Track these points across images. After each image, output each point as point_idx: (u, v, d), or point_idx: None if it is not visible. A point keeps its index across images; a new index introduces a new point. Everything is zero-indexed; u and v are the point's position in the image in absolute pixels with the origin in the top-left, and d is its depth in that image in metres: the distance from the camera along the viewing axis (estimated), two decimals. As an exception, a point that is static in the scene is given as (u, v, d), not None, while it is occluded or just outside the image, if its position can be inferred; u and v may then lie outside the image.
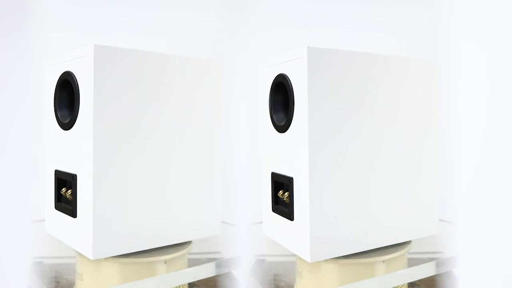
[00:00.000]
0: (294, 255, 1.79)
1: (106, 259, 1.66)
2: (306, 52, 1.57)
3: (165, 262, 1.69)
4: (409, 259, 1.79)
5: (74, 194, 1.63)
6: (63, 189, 1.70)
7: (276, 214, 1.76)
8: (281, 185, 1.73)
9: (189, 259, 1.80)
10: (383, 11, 2.08)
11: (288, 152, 1.69)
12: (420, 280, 1.79)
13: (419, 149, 1.77)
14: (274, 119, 1.76)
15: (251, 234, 1.87)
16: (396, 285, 1.70)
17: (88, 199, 1.58)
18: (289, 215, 1.67)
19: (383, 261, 1.70)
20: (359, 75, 1.66)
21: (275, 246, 1.84)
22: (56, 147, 1.74)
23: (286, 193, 1.70)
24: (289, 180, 1.67)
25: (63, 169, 1.69)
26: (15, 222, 1.81)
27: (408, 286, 1.77)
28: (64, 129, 1.68)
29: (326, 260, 1.67)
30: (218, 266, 1.79)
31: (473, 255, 1.69)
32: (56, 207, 1.73)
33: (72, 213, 1.64)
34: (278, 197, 1.74)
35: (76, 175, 1.62)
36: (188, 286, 1.81)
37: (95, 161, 1.56)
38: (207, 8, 2.08)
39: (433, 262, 1.76)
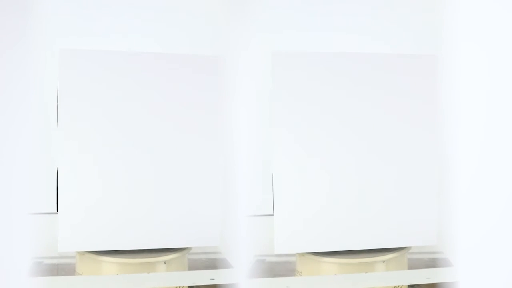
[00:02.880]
0: (294, 255, 1.80)
1: (106, 258, 1.67)
2: (271, 57, 1.68)
3: (165, 263, 1.69)
4: (409, 259, 1.79)
5: (57, 189, 1.69)
6: None
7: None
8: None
9: (189, 259, 1.80)
10: (388, 12, 2.08)
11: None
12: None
13: (412, 153, 1.74)
14: None
15: (251, 234, 1.86)
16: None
17: (58, 194, 1.67)
18: (273, 209, 1.73)
19: (383, 261, 1.70)
20: (333, 75, 1.70)
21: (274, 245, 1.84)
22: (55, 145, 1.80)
23: None
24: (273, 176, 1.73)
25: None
26: (14, 222, 1.81)
27: (408, 286, 1.77)
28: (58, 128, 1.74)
29: (326, 260, 1.68)
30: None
31: (474, 255, 1.68)
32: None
33: (57, 207, 1.70)
34: None
35: (58, 170, 1.69)
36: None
37: (61, 158, 1.67)
38: (209, 8, 2.08)
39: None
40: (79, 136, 1.68)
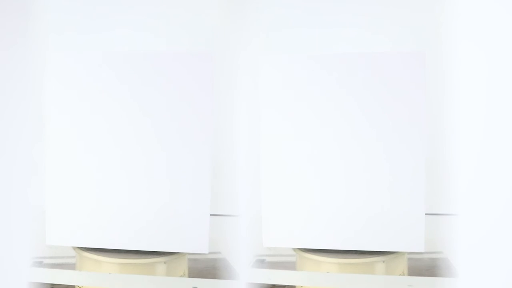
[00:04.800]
0: (294, 255, 1.80)
1: (106, 259, 1.67)
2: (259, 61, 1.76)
3: (165, 263, 1.69)
4: (409, 259, 1.79)
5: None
6: None
7: None
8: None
9: (189, 259, 1.79)
10: (387, 10, 2.07)
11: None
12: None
13: (401, 156, 1.71)
14: None
15: (251, 233, 1.87)
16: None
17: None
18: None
19: (383, 261, 1.70)
20: (321, 76, 1.71)
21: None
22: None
23: None
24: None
25: None
26: (14, 222, 1.81)
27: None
28: None
29: (326, 260, 1.69)
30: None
31: (474, 255, 1.69)
32: None
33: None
34: None
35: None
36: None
37: (50, 155, 1.73)
38: (209, 6, 2.07)
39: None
40: (69, 135, 1.71)
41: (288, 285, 1.82)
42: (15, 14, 1.69)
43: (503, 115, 1.68)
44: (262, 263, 1.90)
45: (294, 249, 1.79)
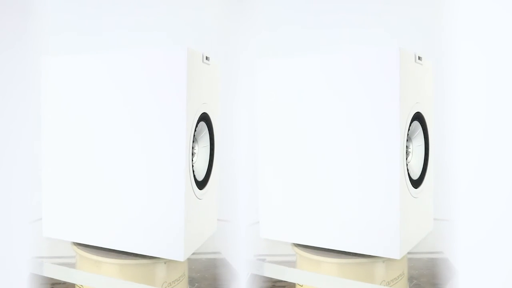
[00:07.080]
0: (294, 254, 1.80)
1: (106, 259, 1.68)
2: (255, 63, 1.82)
3: (165, 263, 1.70)
4: (409, 259, 1.80)
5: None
6: None
7: None
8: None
9: (189, 259, 1.80)
10: (385, 10, 2.08)
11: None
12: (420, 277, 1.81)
13: (374, 160, 1.67)
14: None
15: (251, 234, 1.87)
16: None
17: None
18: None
19: (383, 261, 1.70)
20: (307, 81, 1.75)
21: (275, 246, 1.84)
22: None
23: None
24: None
25: None
26: (14, 222, 1.81)
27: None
28: None
29: (326, 260, 1.69)
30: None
31: (474, 255, 1.69)
32: None
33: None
34: None
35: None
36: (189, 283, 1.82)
37: (43, 153, 1.78)
38: (208, 6, 2.08)
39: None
40: (62, 134, 1.74)
41: (288, 285, 1.83)
42: (15, 15, 1.70)
43: (503, 118, 1.68)
44: (262, 262, 1.91)
45: (294, 249, 1.79)
